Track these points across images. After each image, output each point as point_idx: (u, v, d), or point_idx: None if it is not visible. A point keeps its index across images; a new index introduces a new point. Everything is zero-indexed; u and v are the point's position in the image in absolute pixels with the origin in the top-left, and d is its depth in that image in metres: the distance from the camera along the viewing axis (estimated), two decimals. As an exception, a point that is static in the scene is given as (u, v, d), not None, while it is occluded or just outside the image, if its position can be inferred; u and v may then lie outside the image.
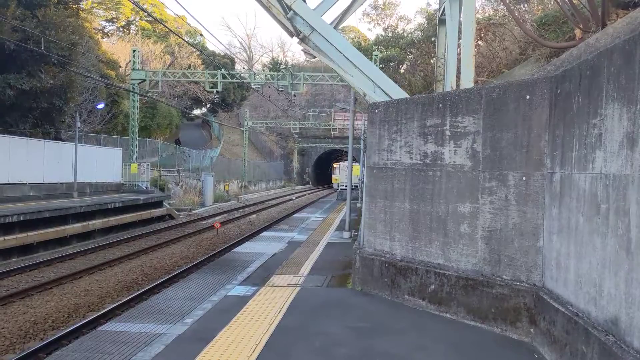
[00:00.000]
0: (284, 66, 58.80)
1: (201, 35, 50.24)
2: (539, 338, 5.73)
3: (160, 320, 6.34)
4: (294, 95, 43.36)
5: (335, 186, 61.00)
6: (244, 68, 69.11)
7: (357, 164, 33.66)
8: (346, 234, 14.48)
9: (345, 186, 21.40)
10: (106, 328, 6.02)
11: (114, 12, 55.41)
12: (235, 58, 63.72)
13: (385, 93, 9.43)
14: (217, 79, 33.99)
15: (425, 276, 7.21)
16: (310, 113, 63.46)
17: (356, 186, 31.79)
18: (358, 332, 6.15)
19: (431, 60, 19.95)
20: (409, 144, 7.68)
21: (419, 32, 43.08)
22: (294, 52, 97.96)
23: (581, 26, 8.22)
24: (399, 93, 9.39)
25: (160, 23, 31.71)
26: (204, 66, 47.50)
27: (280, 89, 36.97)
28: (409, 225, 7.62)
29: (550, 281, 5.73)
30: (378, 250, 8.12)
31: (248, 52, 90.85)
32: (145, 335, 5.79)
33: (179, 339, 5.71)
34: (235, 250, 11.77)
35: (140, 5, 47.90)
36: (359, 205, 20.31)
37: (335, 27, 11.47)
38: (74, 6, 24.05)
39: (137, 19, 55.95)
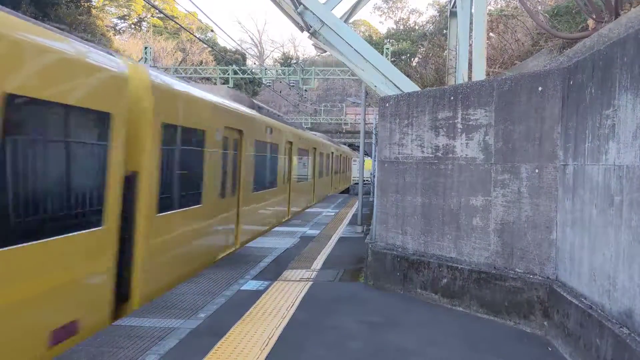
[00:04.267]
0: (295, 61, 58.78)
1: (212, 31, 50.39)
2: (552, 331, 5.70)
3: (175, 315, 6.38)
4: (305, 90, 43.38)
5: None
6: (255, 64, 69.18)
7: (369, 158, 33.56)
8: (358, 229, 14.47)
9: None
10: (121, 323, 6.07)
11: (125, 9, 55.71)
12: (247, 54, 63.79)
13: (397, 86, 9.41)
14: (229, 74, 34.09)
15: (437, 270, 7.20)
16: (322, 108, 63.39)
17: (367, 180, 31.68)
18: (371, 326, 6.16)
19: (443, 53, 19.86)
20: (421, 137, 7.66)
21: (430, 24, 42.92)
22: (305, 47, 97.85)
23: (594, 16, 8.14)
24: (410, 86, 9.36)
25: (172, 20, 31.90)
26: (216, 62, 47.63)
27: (292, 84, 37.01)
28: (421, 219, 7.60)
29: (564, 274, 5.69)
30: (390, 245, 8.11)
31: (259, 48, 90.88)
32: (160, 329, 5.83)
33: (192, 333, 5.76)
34: (248, 245, 11.81)
35: (152, 2, 48.07)
36: (371, 199, 20.30)
37: (345, 21, 11.46)
38: (85, 4, 24.23)
39: (148, 16, 56.19)
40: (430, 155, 7.50)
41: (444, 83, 14.64)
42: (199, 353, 5.16)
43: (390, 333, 5.95)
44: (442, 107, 7.35)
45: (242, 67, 40.28)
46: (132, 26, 56.87)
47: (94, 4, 29.04)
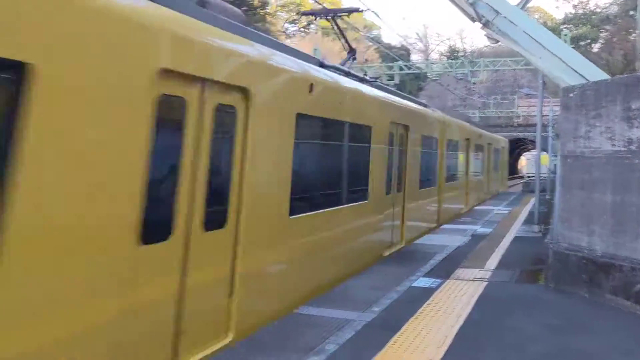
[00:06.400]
0: (462, 54, 57.20)
1: (380, 28, 50.90)
2: None
3: (349, 307, 6.57)
4: (474, 83, 42.02)
5: None
6: (420, 58, 68.52)
7: (545, 153, 31.50)
8: (535, 228, 13.70)
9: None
10: (301, 311, 6.40)
11: (295, 14, 58.45)
12: (411, 49, 63.51)
13: (580, 75, 8.73)
14: (394, 70, 34.18)
15: (630, 274, 6.55)
16: (491, 100, 60.77)
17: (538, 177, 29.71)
18: (552, 330, 5.81)
19: (630, 37, 18.01)
20: (611, 130, 7.02)
21: (615, 6, 39.07)
22: (473, 38, 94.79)
23: None
24: (596, 74, 8.64)
25: (339, 17, 32.78)
26: (381, 59, 48.04)
27: (459, 77, 36.12)
28: (611, 218, 6.97)
29: None
30: (574, 245, 7.56)
31: (424, 42, 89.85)
32: (336, 320, 6.04)
33: (367, 326, 5.88)
34: (415, 242, 11.75)
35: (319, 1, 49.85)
36: (547, 197, 19.08)
37: (521, 9, 10.90)
38: (261, 12, 25.92)
39: (317, 19, 58.33)
40: (623, 149, 6.84)
41: (633, 69, 13.28)
42: (375, 346, 5.26)
43: (574, 337, 5.57)
44: (637, 96, 6.67)
45: (407, 63, 40.12)
46: (301, 30, 59.50)
47: (268, 10, 30.89)
